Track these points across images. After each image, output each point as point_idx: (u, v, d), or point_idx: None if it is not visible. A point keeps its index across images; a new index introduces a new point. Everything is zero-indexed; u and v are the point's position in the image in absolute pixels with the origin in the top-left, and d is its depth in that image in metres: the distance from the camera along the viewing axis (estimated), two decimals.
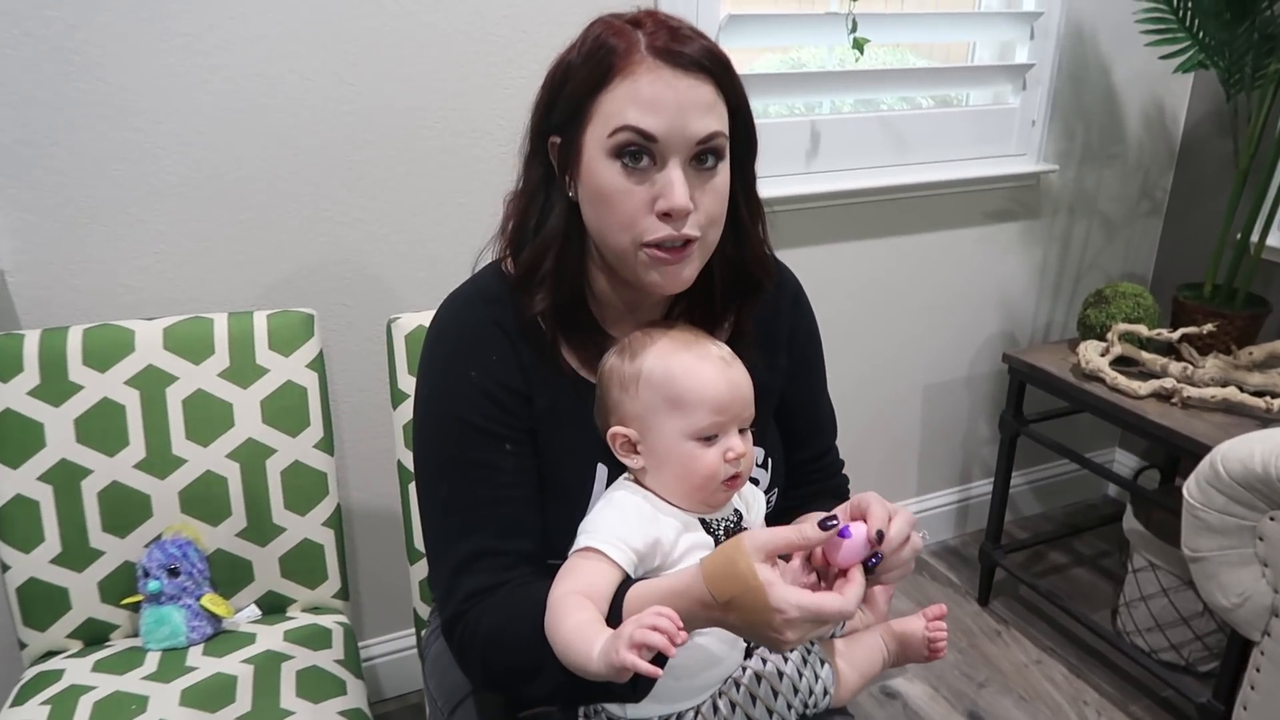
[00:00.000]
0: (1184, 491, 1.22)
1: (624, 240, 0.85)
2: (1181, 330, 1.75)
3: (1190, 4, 1.68)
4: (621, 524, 0.84)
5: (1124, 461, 2.50)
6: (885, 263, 2.02)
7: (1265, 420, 1.62)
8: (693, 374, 0.86)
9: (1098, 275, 2.29)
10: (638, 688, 0.78)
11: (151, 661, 1.21)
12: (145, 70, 1.33)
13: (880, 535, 0.77)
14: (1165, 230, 2.32)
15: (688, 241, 0.84)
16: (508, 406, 0.89)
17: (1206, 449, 1.30)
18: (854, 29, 1.73)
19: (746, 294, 0.96)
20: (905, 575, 0.83)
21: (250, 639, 1.26)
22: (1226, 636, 1.58)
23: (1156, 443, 1.66)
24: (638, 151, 0.81)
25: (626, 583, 0.81)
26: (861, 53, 1.72)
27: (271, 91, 1.40)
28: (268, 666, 1.21)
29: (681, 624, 0.69)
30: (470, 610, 0.86)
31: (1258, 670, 1.18)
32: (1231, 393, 1.65)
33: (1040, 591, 2.03)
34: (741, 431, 0.88)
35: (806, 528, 0.76)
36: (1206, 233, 2.16)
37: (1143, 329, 1.77)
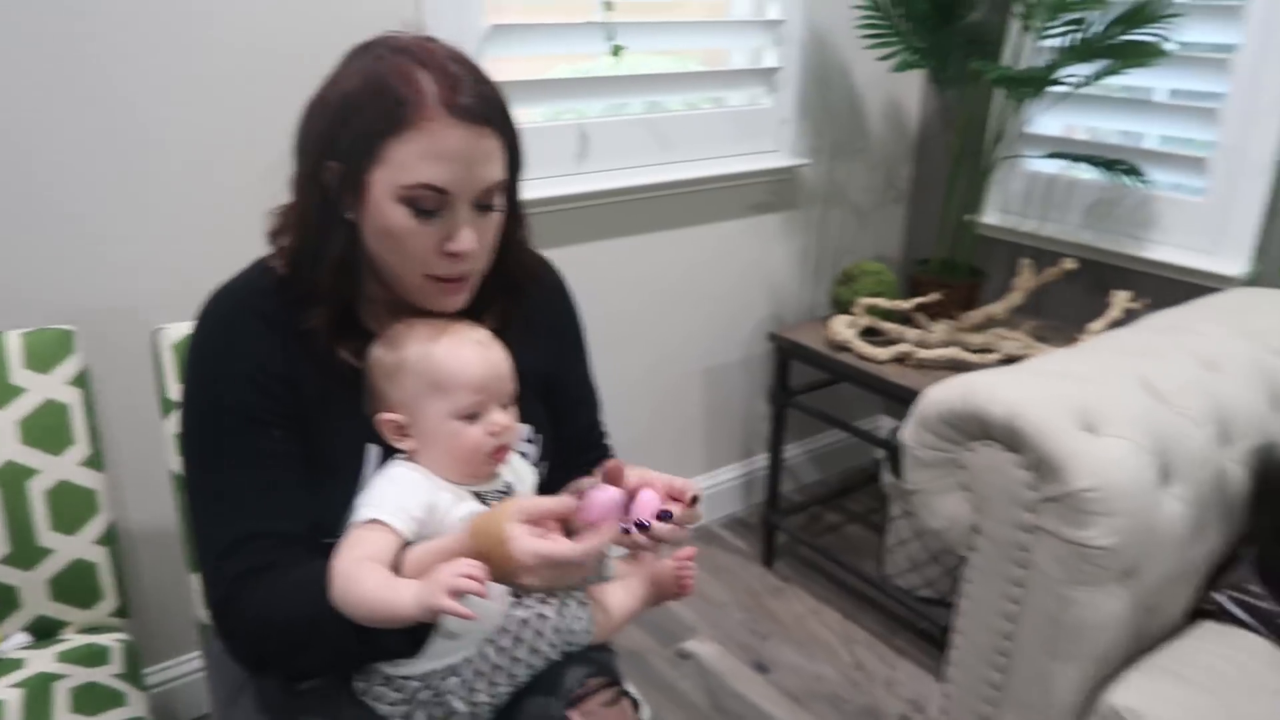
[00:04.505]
0: (902, 435, 1.41)
1: (410, 273, 0.93)
2: (915, 300, 1.98)
3: (901, 10, 1.90)
4: (399, 496, 0.91)
5: (887, 426, 2.77)
6: (660, 256, 2.16)
7: None
8: (452, 358, 0.93)
9: (853, 258, 2.52)
10: (417, 643, 0.85)
11: None
12: None
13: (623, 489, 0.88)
14: (908, 215, 2.59)
15: (466, 275, 0.94)
16: (273, 393, 0.93)
17: None
18: (612, 37, 1.85)
19: (508, 293, 1.04)
20: (680, 538, 0.93)
21: (19, 664, 1.22)
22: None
23: (900, 402, 1.87)
24: (429, 201, 0.88)
25: (405, 549, 0.88)
26: (619, 58, 1.85)
27: (13, 106, 1.36)
28: (39, 688, 1.18)
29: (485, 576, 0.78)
30: (238, 593, 0.90)
31: (970, 582, 1.38)
32: (956, 353, 1.88)
33: (816, 549, 2.24)
34: (505, 408, 0.96)
35: (563, 497, 0.88)
36: (953, 216, 2.44)
37: (882, 302, 1.99)
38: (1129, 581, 1.26)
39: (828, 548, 2.24)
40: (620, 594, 1.04)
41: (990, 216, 2.32)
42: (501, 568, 0.81)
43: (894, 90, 2.41)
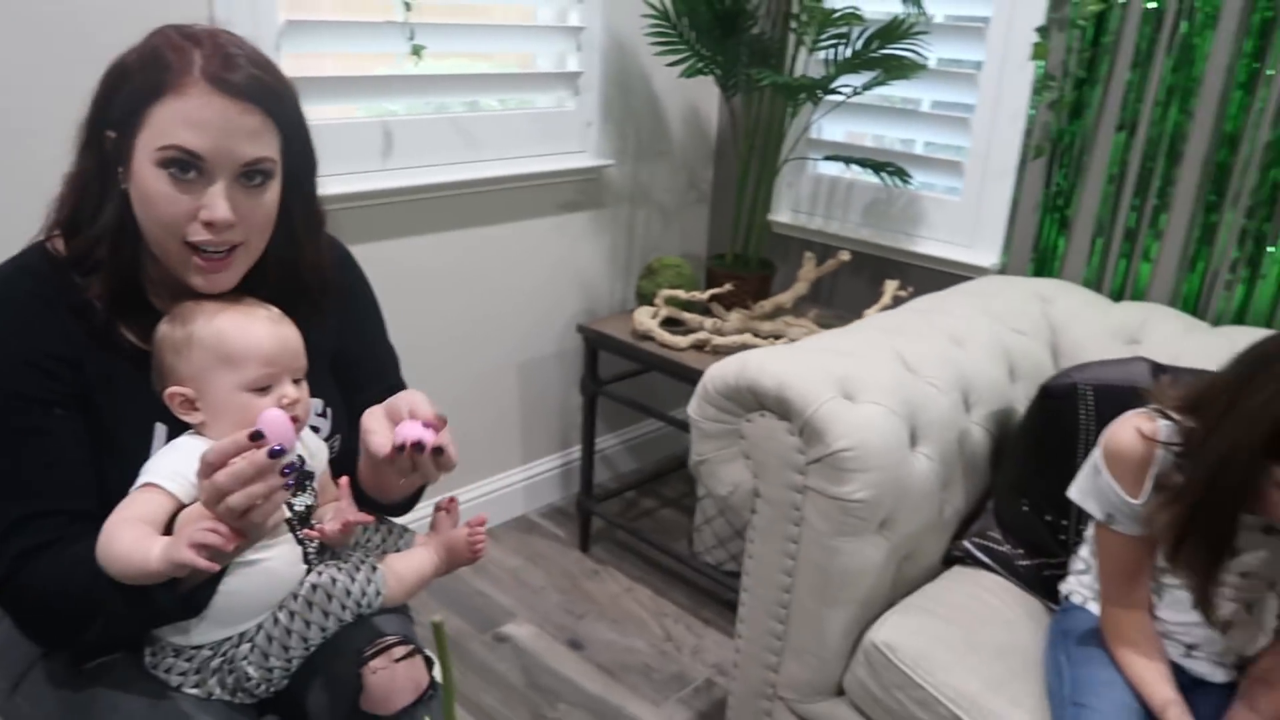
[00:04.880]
0: (689, 410, 1.52)
1: (168, 239, 0.93)
2: (710, 291, 2.11)
3: (686, 21, 2.03)
4: (176, 461, 0.92)
5: None
6: (472, 252, 2.20)
7: None
8: (242, 331, 0.96)
9: (660, 255, 2.64)
10: (195, 604, 0.87)
11: None
12: None
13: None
14: (711, 214, 2.74)
15: (232, 249, 0.95)
16: (54, 373, 0.94)
17: None
18: (412, 36, 1.89)
19: (295, 295, 1.06)
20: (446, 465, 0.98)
21: None
22: None
23: None
24: (185, 165, 0.90)
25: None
26: (420, 58, 1.89)
27: None
28: None
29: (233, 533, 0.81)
30: (22, 569, 0.90)
31: (752, 542, 1.50)
32: (748, 338, 2.02)
33: (631, 532, 2.34)
34: (296, 383, 0.99)
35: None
36: (745, 215, 2.60)
37: (681, 293, 2.11)
38: (886, 531, 1.42)
39: (641, 530, 2.35)
40: (413, 560, 1.08)
41: (782, 215, 2.51)
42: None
43: (693, 96, 2.56)
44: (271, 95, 0.94)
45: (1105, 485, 1.24)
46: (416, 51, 1.87)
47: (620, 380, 2.32)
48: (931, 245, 2.26)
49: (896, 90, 2.17)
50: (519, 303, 2.35)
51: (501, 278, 2.29)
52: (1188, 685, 1.24)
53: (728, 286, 2.09)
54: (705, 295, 2.10)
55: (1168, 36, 1.83)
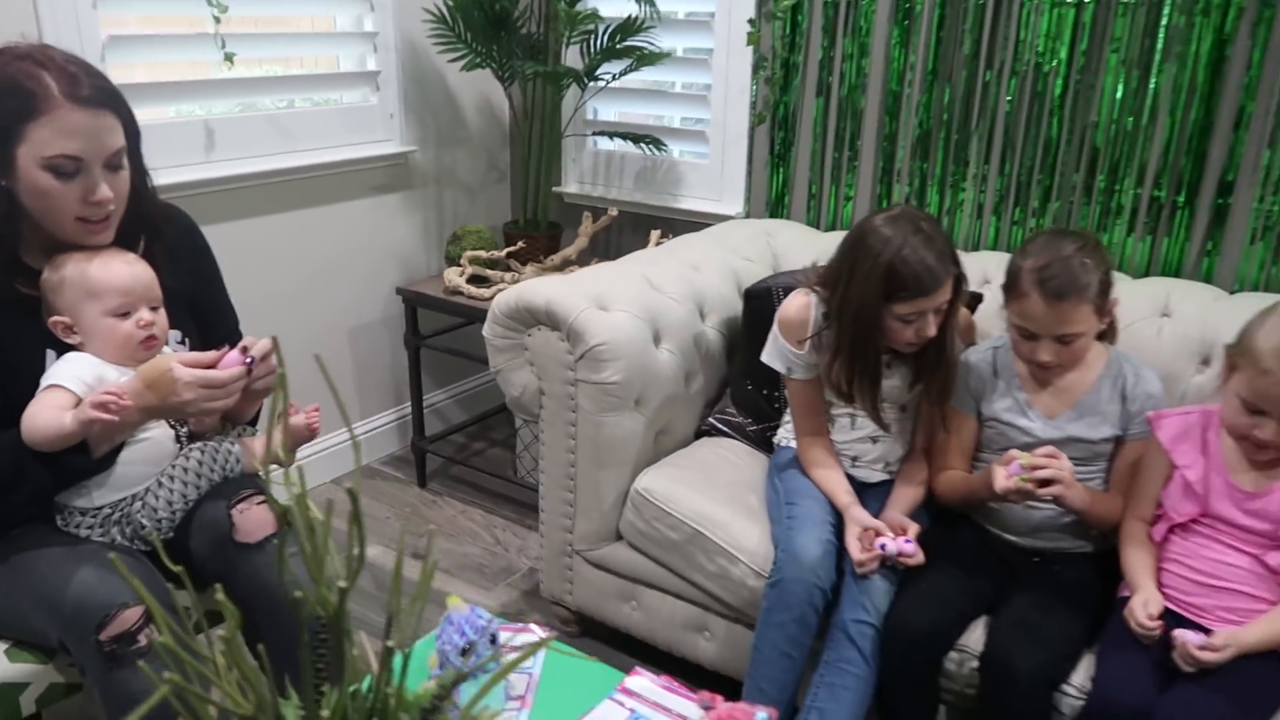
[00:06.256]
0: (483, 332, 1.91)
1: (63, 219, 1.26)
2: (506, 250, 2.51)
3: (462, 23, 2.41)
4: (71, 368, 1.25)
5: None
6: (295, 232, 2.51)
7: None
8: (102, 269, 1.29)
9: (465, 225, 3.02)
10: (103, 463, 1.20)
11: None
12: None
13: (245, 350, 1.29)
14: (511, 189, 3.13)
15: (108, 214, 1.29)
16: None
17: None
18: (224, 46, 2.19)
19: (147, 229, 1.40)
20: (270, 383, 1.35)
21: None
22: None
23: None
24: (67, 166, 1.23)
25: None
26: (232, 64, 2.19)
27: None
28: None
29: (125, 396, 1.15)
30: None
31: (543, 431, 1.92)
32: None
33: (466, 466, 2.71)
34: (153, 310, 1.32)
35: (209, 353, 1.28)
36: (533, 186, 3.01)
37: (482, 253, 2.50)
38: (640, 408, 1.86)
39: (474, 465, 2.72)
40: (262, 439, 1.43)
41: (570, 186, 2.93)
42: (165, 390, 1.19)
43: (485, 89, 2.94)
44: (112, 97, 1.28)
45: (781, 346, 1.72)
46: (228, 58, 2.18)
47: (440, 334, 2.68)
48: (690, 201, 2.73)
49: (652, 75, 2.62)
50: (347, 274, 2.67)
51: (329, 254, 2.60)
52: (859, 488, 1.73)
53: (520, 244, 2.50)
54: (503, 253, 2.50)
55: (844, 20, 2.35)
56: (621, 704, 1.22)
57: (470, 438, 3.02)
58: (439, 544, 2.45)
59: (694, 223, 2.70)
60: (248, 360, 1.29)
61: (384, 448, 2.90)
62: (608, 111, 2.87)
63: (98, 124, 1.24)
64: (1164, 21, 1.96)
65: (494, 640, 1.20)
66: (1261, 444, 1.35)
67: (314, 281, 2.59)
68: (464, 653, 1.17)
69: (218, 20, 2.16)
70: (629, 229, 2.65)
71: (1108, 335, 1.64)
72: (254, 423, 1.55)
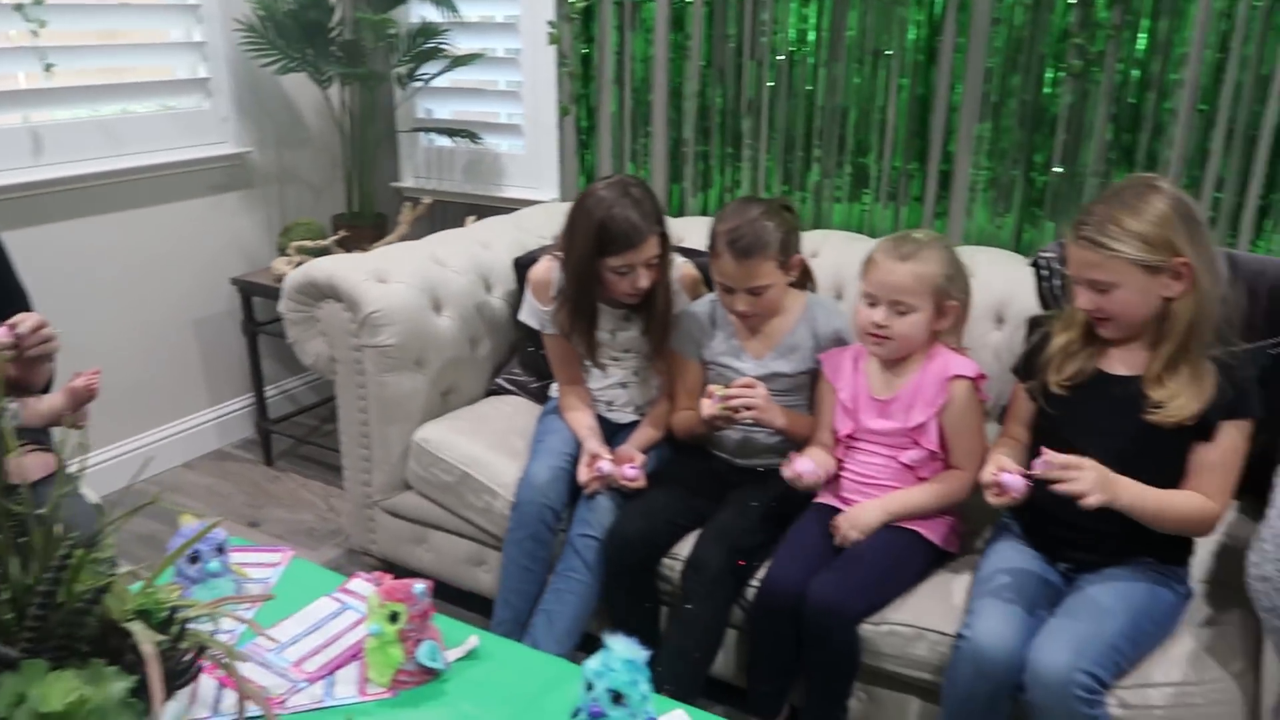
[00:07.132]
0: (278, 308, 2.12)
1: None
2: (332, 238, 2.71)
3: (273, 31, 2.61)
4: None
5: None
6: (133, 231, 2.68)
7: None
8: None
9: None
10: None
11: None
12: None
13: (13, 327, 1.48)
14: (349, 186, 3.32)
15: None
16: None
17: None
18: (45, 58, 2.36)
19: None
20: (46, 350, 1.54)
21: None
22: None
23: None
24: None
25: None
26: (49, 72, 2.36)
27: None
28: None
29: None
30: None
31: (338, 396, 2.12)
32: None
33: (310, 443, 2.90)
34: None
35: None
36: (358, 180, 3.21)
37: (308, 242, 2.70)
38: (421, 369, 2.07)
39: (320, 444, 2.92)
40: (45, 399, 1.62)
41: (407, 180, 3.14)
42: None
43: (322, 93, 3.13)
44: None
45: (533, 305, 1.95)
46: (48, 69, 2.35)
47: (279, 321, 2.85)
48: (512, 190, 2.96)
49: (477, 75, 2.84)
50: (190, 270, 2.84)
51: (171, 250, 2.77)
52: (615, 429, 1.96)
53: (342, 233, 2.70)
54: (328, 241, 2.70)
55: (630, 17, 2.59)
56: (338, 600, 1.43)
57: (321, 420, 3.20)
58: (275, 514, 2.63)
59: (513, 209, 2.92)
60: (15, 335, 1.48)
61: (236, 433, 3.07)
62: (443, 110, 3.08)
63: None
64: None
65: (221, 549, 1.41)
66: (878, 336, 1.61)
67: (151, 277, 2.75)
68: (192, 560, 1.38)
69: (35, 34, 2.33)
70: (453, 217, 2.86)
71: (809, 284, 1.90)
72: (47, 389, 1.72)
